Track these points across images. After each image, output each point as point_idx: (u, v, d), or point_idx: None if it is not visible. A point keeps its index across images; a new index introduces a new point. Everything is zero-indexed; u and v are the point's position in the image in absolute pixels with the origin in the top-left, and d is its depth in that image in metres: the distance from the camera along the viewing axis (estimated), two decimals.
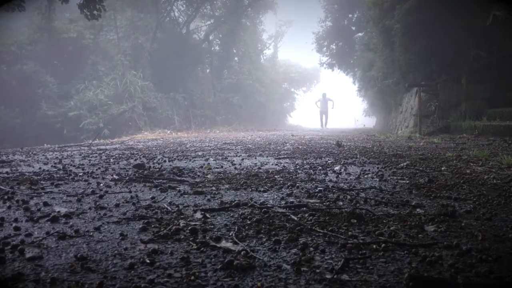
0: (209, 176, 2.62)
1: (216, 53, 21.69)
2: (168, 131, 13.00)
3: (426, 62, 10.08)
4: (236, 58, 23.48)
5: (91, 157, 3.98)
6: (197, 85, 18.49)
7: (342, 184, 2.36)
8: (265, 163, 3.42)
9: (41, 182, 2.34)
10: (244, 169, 3.00)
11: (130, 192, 2.05)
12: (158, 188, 2.13)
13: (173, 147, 5.51)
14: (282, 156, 3.92)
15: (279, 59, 33.30)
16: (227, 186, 2.24)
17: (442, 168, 3.02)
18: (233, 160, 3.56)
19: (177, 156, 4.01)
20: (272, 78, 28.35)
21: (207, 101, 18.72)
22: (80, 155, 4.23)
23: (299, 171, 2.86)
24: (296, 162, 3.46)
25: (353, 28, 21.82)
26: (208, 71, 20.52)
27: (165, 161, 3.51)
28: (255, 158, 3.83)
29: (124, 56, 14.50)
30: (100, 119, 13.15)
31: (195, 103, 17.73)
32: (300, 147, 5.46)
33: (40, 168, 3.05)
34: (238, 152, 4.40)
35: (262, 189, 2.14)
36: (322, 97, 21.47)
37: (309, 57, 48.04)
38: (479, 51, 9.19)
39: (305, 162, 3.49)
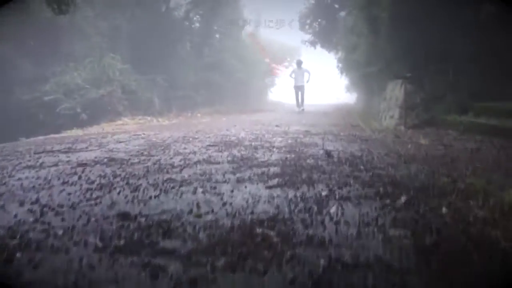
0: (200, 234, 2.45)
1: (196, 31, 21.21)
2: (149, 118, 12.68)
3: (412, 52, 9.91)
4: (217, 35, 23.00)
5: (70, 185, 3.75)
6: (177, 65, 18.04)
7: (344, 248, 2.23)
8: (256, 199, 3.26)
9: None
10: (237, 215, 2.84)
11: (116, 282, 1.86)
12: (148, 271, 1.95)
13: (157, 156, 5.29)
14: (272, 184, 3.76)
15: (260, 33, 32.65)
16: (222, 262, 2.07)
17: (443, 211, 2.92)
18: (223, 193, 3.39)
19: (162, 182, 3.81)
20: (253, 54, 27.93)
21: (188, 81, 18.36)
22: (59, 178, 3.99)
23: (295, 218, 2.72)
24: (289, 197, 3.30)
25: (336, 6, 21.48)
26: (189, 49, 20.00)
27: (150, 197, 3.31)
28: (245, 186, 3.67)
29: (101, 37, 13.97)
30: (77, 103, 12.74)
31: (176, 84, 17.36)
32: (288, 156, 5.29)
33: (15, 215, 2.82)
34: (225, 173, 4.22)
35: (261, 268, 1.98)
36: (297, 66, 18.25)
37: (291, 33, 47.26)
38: (468, 44, 9.08)
39: (298, 195, 3.34)
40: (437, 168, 4.44)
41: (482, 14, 8.32)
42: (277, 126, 10.38)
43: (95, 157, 5.25)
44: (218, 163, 4.84)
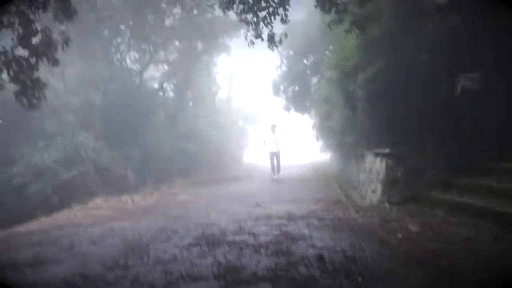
0: None
1: (170, 100, 21.11)
2: (124, 199, 12.18)
3: (390, 128, 9.93)
4: (190, 103, 22.99)
5: None
6: (152, 137, 17.79)
7: None
8: None
9: None
10: None
11: None
12: None
13: (135, 268, 4.86)
14: None
15: (234, 98, 33.03)
16: None
17: None
18: None
19: None
20: (227, 118, 28.03)
21: (163, 153, 18.03)
22: None
23: None
24: None
25: (308, 72, 21.90)
26: (163, 120, 19.83)
27: None
28: None
29: (73, 114, 13.67)
30: (47, 185, 12.19)
31: (151, 156, 17.02)
32: (277, 262, 4.95)
33: None
34: None
35: None
36: (271, 130, 17.45)
37: (264, 95, 48.20)
38: (445, 118, 9.15)
39: None
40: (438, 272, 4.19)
41: (458, 89, 8.43)
42: (258, 205, 10.07)
43: (65, 275, 4.78)
44: (204, 279, 4.45)
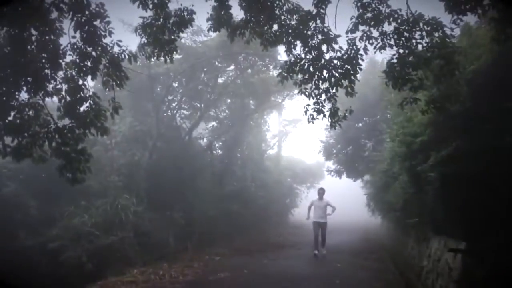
0: None
1: (218, 159, 20.44)
2: (161, 271, 11.21)
3: (466, 216, 8.64)
4: (239, 162, 22.23)
5: None
6: (196, 198, 17.00)
7: None
8: None
9: None
10: None
11: None
12: None
13: None
14: None
15: (283, 155, 32.18)
16: None
17: None
18: None
19: None
20: (275, 179, 27.04)
21: (206, 215, 17.12)
22: None
23: None
24: None
25: (363, 135, 20.81)
26: (209, 180, 19.12)
27: None
28: None
29: (118, 175, 13.15)
30: (84, 251, 11.48)
31: (194, 219, 16.17)
32: None
33: None
34: None
35: None
36: (318, 196, 14.77)
37: (313, 153, 47.17)
38: None
39: None
40: None
41: None
42: None
43: None
44: None
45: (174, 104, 17.51)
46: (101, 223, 12.05)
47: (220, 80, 19.13)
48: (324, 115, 8.98)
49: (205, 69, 17.13)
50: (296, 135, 39.12)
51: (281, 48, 16.14)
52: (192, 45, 16.32)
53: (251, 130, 23.82)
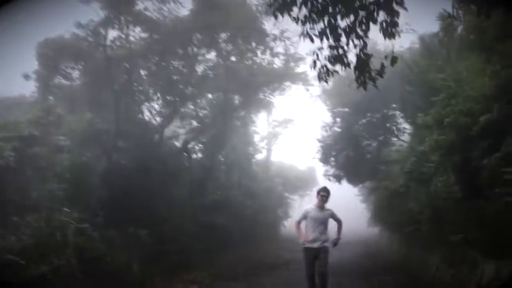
0: None
1: (197, 164, 17.29)
2: None
3: None
4: (223, 167, 19.11)
5: None
6: (170, 211, 13.85)
7: None
8: None
9: None
10: None
11: None
12: None
13: None
14: None
15: (273, 161, 29.08)
16: None
17: None
18: None
19: None
20: (264, 186, 23.93)
21: (183, 231, 13.97)
22: None
23: None
24: None
25: (365, 135, 17.88)
26: (187, 187, 15.92)
27: None
28: None
29: (57, 183, 9.97)
30: None
31: (166, 237, 13.01)
32: None
33: None
34: None
35: None
36: (317, 203, 8.12)
37: (305, 157, 44.01)
38: None
39: None
40: None
41: None
42: None
43: None
44: None
45: (141, 97, 14.39)
46: (32, 247, 8.86)
47: (198, 70, 16.09)
48: (346, 65, 5.91)
49: (179, 52, 14.07)
50: (287, 137, 35.98)
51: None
52: (160, 19, 13.25)
53: (237, 131, 20.78)
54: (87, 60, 12.58)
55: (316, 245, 7.80)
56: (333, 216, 8.21)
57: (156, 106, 14.89)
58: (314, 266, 7.82)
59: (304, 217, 8.08)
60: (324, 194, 8.05)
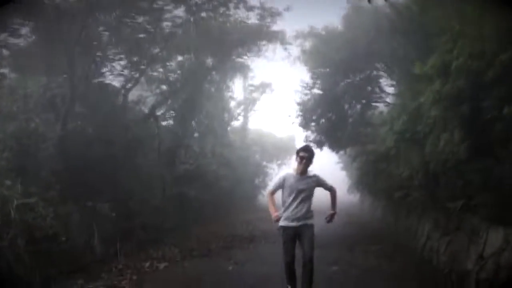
0: None
1: (168, 131, 15.95)
2: None
3: None
4: (196, 135, 17.83)
5: None
6: (136, 183, 12.58)
7: None
8: None
9: None
10: None
11: None
12: None
13: None
14: None
15: (250, 128, 27.88)
16: None
17: None
18: None
19: None
20: (241, 155, 22.78)
21: (151, 205, 12.76)
22: None
23: None
24: None
25: (347, 97, 16.75)
26: (155, 156, 14.61)
27: None
28: None
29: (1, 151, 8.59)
30: None
31: (132, 211, 11.79)
32: None
33: None
34: None
35: None
36: (298, 167, 6.11)
37: (283, 123, 42.81)
38: None
39: None
40: None
41: None
42: None
43: None
44: None
45: (102, 57, 12.85)
46: None
47: (166, 27, 14.56)
48: None
49: (143, 6, 12.54)
50: (265, 103, 34.74)
51: None
52: None
53: (211, 97, 19.47)
54: (37, 13, 10.97)
55: (296, 223, 5.92)
56: (321, 183, 6.26)
57: (119, 68, 13.39)
58: (294, 251, 6.03)
59: (280, 185, 6.18)
60: (304, 155, 6.03)
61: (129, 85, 13.39)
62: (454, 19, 6.09)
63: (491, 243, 6.77)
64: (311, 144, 17.61)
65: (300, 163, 6.07)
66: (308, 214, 6.08)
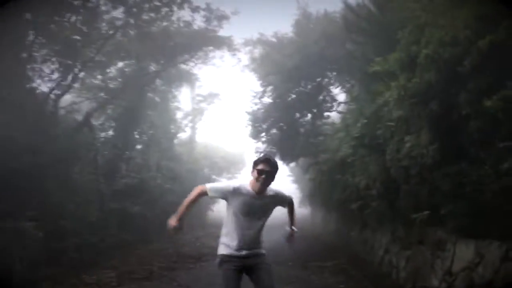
0: None
1: (107, 142, 14.70)
2: None
3: None
4: (139, 147, 16.62)
5: None
6: (69, 197, 11.28)
7: None
8: None
9: None
10: None
11: None
12: None
13: None
14: None
15: (198, 142, 26.82)
16: None
17: None
18: None
19: None
20: (188, 168, 21.67)
21: (86, 222, 11.49)
22: None
23: None
24: None
25: (299, 106, 16.19)
26: (91, 171, 13.27)
27: None
28: None
29: None
30: None
31: (64, 230, 10.49)
32: None
33: None
34: None
35: None
36: (252, 192, 4.32)
37: (232, 136, 41.99)
38: None
39: None
40: None
41: None
42: None
43: None
44: None
45: (29, 59, 11.52)
46: None
47: (102, 28, 13.43)
48: None
49: (75, 3, 11.38)
50: (213, 114, 33.78)
51: None
52: None
53: (155, 107, 18.34)
54: None
55: (245, 252, 4.31)
56: (283, 200, 4.68)
57: (48, 71, 12.05)
58: None
59: (224, 194, 4.40)
60: (265, 168, 4.27)
61: (60, 91, 12.07)
62: (419, 10, 5.47)
63: (461, 257, 6.14)
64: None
65: (257, 179, 4.28)
66: (261, 240, 4.52)
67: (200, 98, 24.64)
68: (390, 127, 6.41)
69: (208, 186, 4.41)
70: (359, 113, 8.30)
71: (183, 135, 23.97)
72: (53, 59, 12.29)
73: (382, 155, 7.70)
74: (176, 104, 21.13)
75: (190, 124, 24.70)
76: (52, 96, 11.90)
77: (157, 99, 18.69)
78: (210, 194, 4.36)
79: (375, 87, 7.07)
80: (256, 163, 4.36)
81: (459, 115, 4.68)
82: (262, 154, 5.04)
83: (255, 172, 4.29)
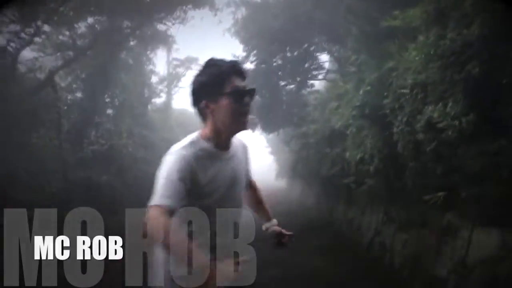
0: None
1: (74, 104, 13.39)
2: None
3: None
4: (110, 111, 15.33)
5: None
6: (26, 164, 10.08)
7: None
8: None
9: None
10: None
11: None
12: None
13: None
14: None
15: (174, 108, 25.51)
16: None
17: None
18: None
19: None
20: (163, 137, 20.45)
21: (48, 192, 10.35)
22: None
23: None
24: None
25: (281, 74, 15.14)
26: (54, 136, 12.02)
27: None
28: None
29: None
30: None
31: (17, 200, 9.29)
32: None
33: None
34: None
35: None
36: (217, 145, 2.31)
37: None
38: None
39: None
40: None
41: None
42: None
43: None
44: None
45: None
46: None
47: None
48: None
49: None
50: (191, 80, 32.23)
51: None
52: None
53: (129, 70, 17.00)
54: None
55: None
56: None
57: (6, 20, 10.61)
58: None
59: (181, 193, 2.19)
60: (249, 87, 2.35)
61: (20, 44, 10.70)
62: None
63: (479, 247, 5.32)
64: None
65: (239, 112, 2.30)
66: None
67: (177, 62, 23.23)
68: (402, 95, 5.42)
69: (162, 207, 2.09)
70: (358, 79, 7.29)
71: (158, 101, 22.66)
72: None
73: (385, 128, 6.78)
74: (151, 67, 19.75)
75: (166, 90, 23.32)
76: (9, 49, 10.50)
77: (130, 61, 17.36)
78: (174, 211, 2.11)
79: (383, 48, 6.06)
80: (220, 78, 2.23)
81: (502, 82, 3.74)
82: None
83: (230, 99, 2.22)
